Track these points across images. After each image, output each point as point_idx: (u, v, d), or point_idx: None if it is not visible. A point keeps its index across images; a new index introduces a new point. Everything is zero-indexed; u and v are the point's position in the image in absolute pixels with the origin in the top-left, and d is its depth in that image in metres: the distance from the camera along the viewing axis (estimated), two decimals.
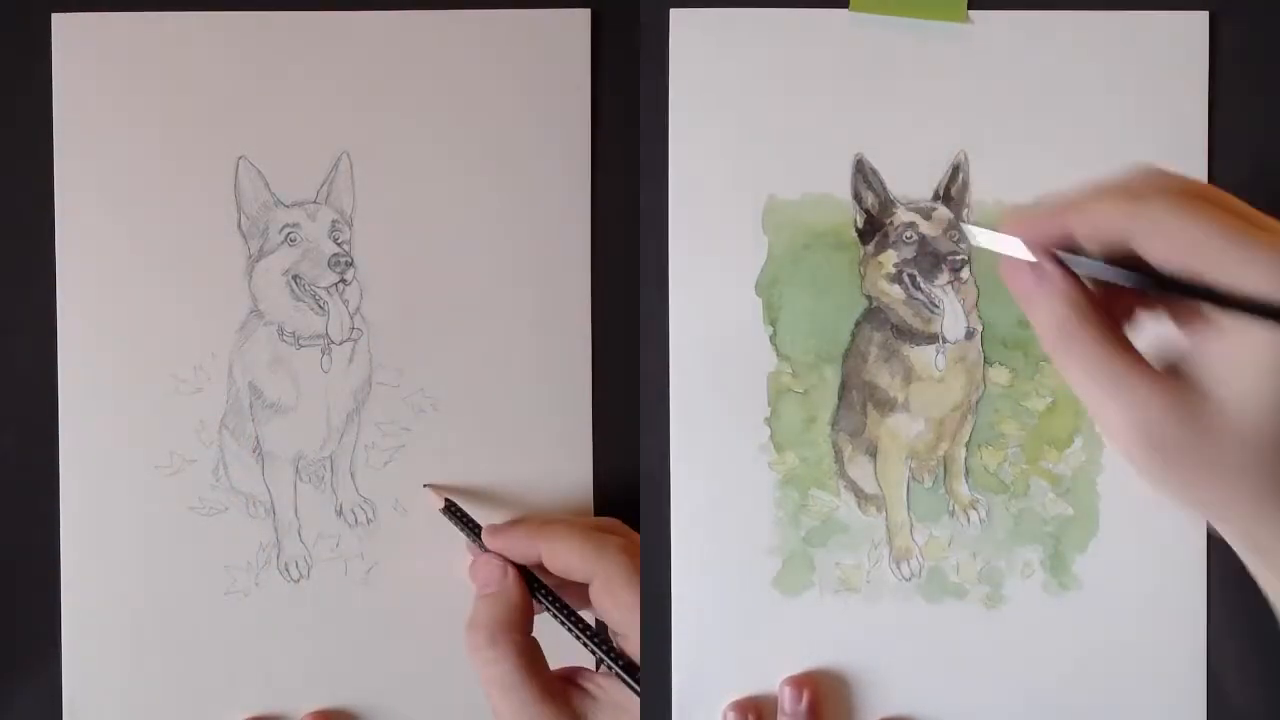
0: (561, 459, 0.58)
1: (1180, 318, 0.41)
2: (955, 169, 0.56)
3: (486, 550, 0.54)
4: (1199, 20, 0.55)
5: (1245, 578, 0.48)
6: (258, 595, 0.58)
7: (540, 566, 0.53)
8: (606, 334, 0.58)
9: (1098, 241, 0.40)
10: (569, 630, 0.52)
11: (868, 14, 0.56)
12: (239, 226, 0.58)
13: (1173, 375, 0.40)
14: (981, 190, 0.56)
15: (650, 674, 0.56)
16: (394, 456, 0.58)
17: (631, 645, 0.51)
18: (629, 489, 0.57)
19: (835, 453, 0.57)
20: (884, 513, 0.57)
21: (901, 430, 0.56)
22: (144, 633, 0.57)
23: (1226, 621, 0.55)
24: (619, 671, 0.50)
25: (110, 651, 0.57)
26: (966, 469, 0.56)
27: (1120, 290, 0.41)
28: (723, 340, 0.56)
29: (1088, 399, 0.41)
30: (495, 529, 0.53)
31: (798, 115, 0.56)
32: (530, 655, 0.51)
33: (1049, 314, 0.40)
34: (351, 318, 0.58)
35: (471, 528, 0.55)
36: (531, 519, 0.55)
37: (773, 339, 0.56)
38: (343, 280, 0.58)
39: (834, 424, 0.57)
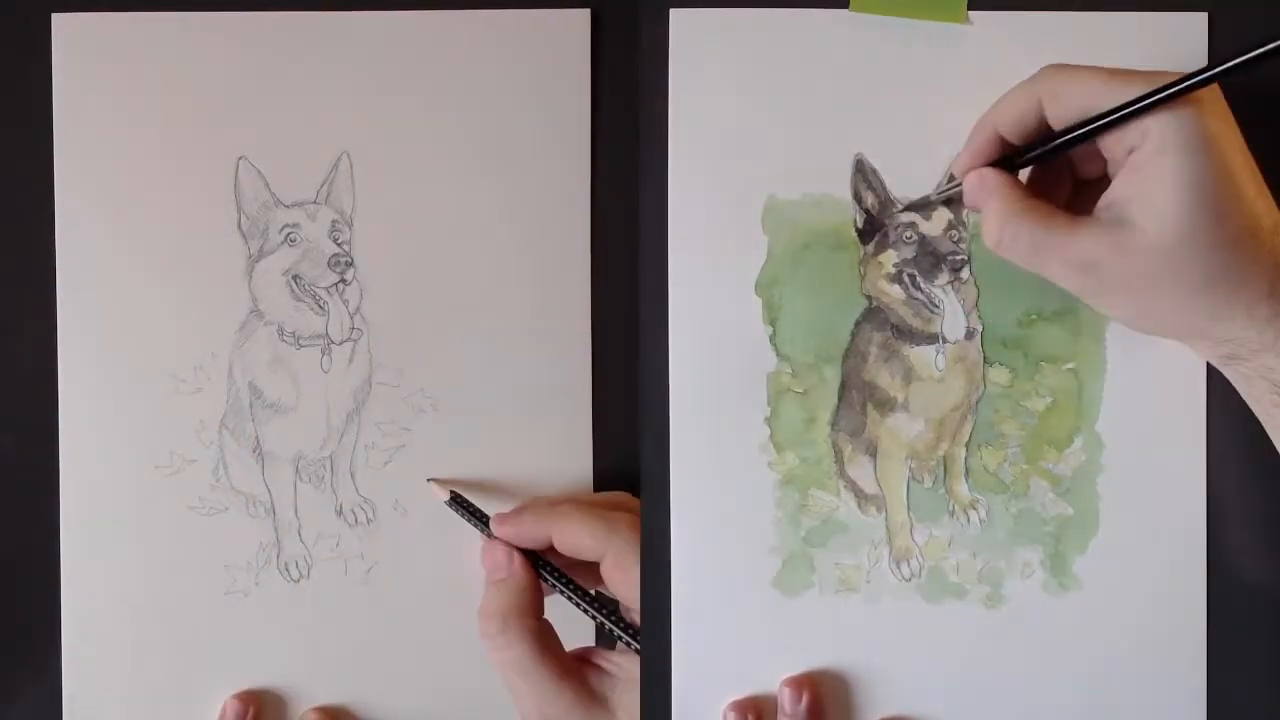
0: (561, 458, 0.58)
1: (1097, 169, 0.49)
2: None
3: (494, 538, 0.54)
4: (1198, 21, 0.55)
5: (1244, 578, 0.49)
6: (258, 595, 0.58)
7: (551, 549, 0.53)
8: (606, 334, 0.58)
9: (1018, 126, 0.48)
10: (583, 609, 0.52)
11: (868, 14, 0.56)
12: (239, 226, 0.58)
13: (1103, 220, 0.46)
14: None
15: (650, 674, 0.56)
16: (394, 456, 0.58)
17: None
18: (629, 488, 0.57)
19: (835, 453, 0.57)
20: (884, 513, 0.57)
21: (901, 430, 0.56)
22: (144, 632, 0.57)
23: (1226, 621, 0.55)
24: (636, 645, 0.50)
25: (110, 651, 0.57)
26: (966, 469, 0.56)
27: (1052, 181, 0.51)
28: (723, 340, 0.56)
29: (1042, 269, 0.47)
30: (503, 516, 0.54)
31: (798, 115, 0.56)
32: (543, 637, 0.51)
33: (993, 213, 0.48)
34: (351, 318, 0.58)
35: (479, 517, 0.56)
36: (538, 503, 0.55)
37: (773, 339, 0.56)
38: (343, 280, 0.58)
39: (834, 424, 0.57)
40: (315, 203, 0.58)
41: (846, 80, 0.56)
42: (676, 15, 0.56)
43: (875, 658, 0.56)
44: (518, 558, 0.53)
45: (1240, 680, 0.55)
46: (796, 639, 0.56)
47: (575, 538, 0.51)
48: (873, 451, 0.57)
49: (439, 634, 0.58)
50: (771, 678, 0.56)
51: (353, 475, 0.58)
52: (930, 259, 0.56)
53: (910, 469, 0.57)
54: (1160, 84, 0.45)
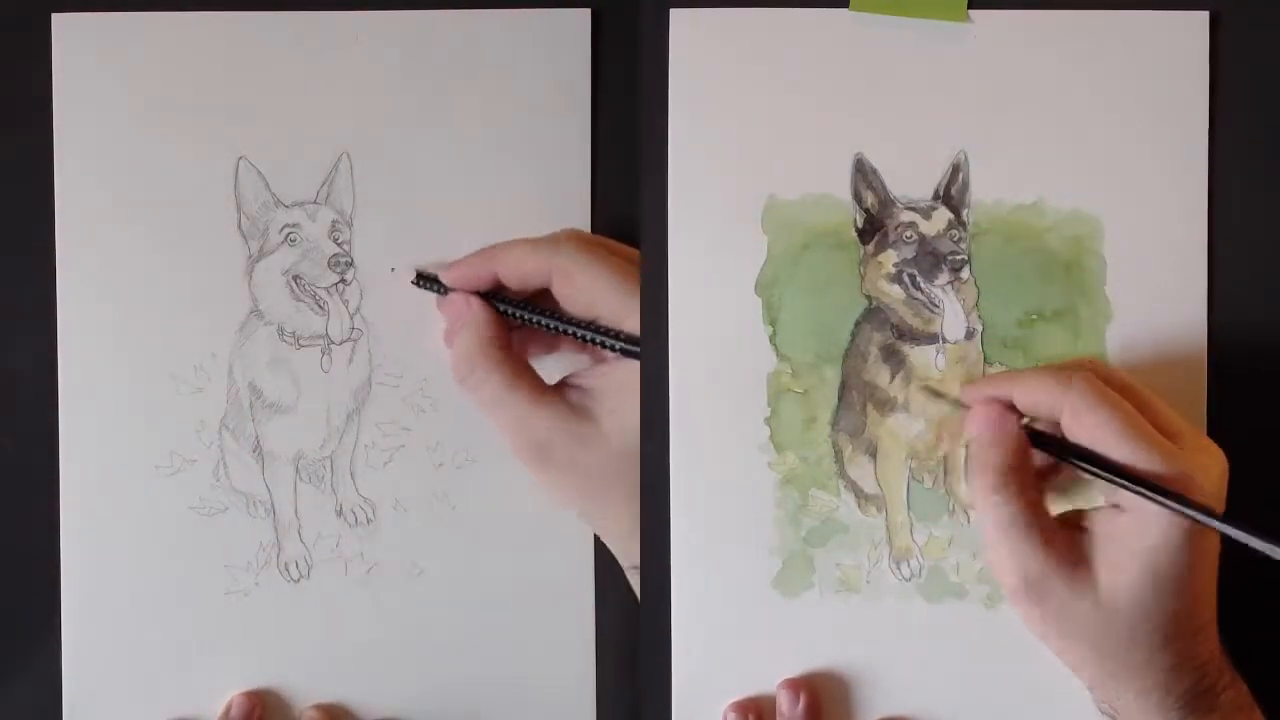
0: None
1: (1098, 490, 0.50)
2: (955, 169, 0.56)
3: (450, 290, 0.54)
4: (1199, 20, 0.55)
5: (1244, 579, 0.49)
6: (258, 595, 0.58)
7: (503, 288, 0.54)
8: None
9: (1032, 412, 0.49)
10: (553, 328, 0.52)
11: (868, 14, 0.56)
12: (239, 226, 0.58)
13: (1066, 539, 0.48)
14: (981, 190, 0.56)
15: (650, 674, 0.56)
16: (394, 456, 0.58)
17: (610, 318, 0.51)
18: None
19: (835, 453, 0.57)
20: (884, 513, 0.57)
21: (901, 430, 0.56)
22: (144, 633, 0.57)
23: (1227, 622, 0.55)
24: (609, 342, 0.51)
25: (110, 651, 0.57)
26: (966, 469, 0.56)
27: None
28: (723, 340, 0.56)
29: (993, 541, 0.48)
30: (450, 264, 0.53)
31: (798, 115, 0.56)
32: (513, 367, 0.52)
33: (995, 458, 0.48)
34: (351, 318, 0.58)
35: (431, 280, 0.56)
36: (483, 247, 0.55)
37: (772, 339, 0.56)
38: (343, 280, 0.58)
39: (834, 424, 0.57)
40: (315, 203, 0.58)
41: (846, 80, 0.56)
42: (676, 15, 0.56)
43: (875, 658, 0.56)
44: (474, 300, 0.53)
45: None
46: (796, 639, 0.56)
47: (519, 266, 0.51)
48: (873, 451, 0.57)
49: (439, 634, 0.58)
50: (771, 678, 0.56)
51: (353, 475, 0.58)
52: (930, 259, 0.56)
53: (910, 469, 0.57)
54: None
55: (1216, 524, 0.46)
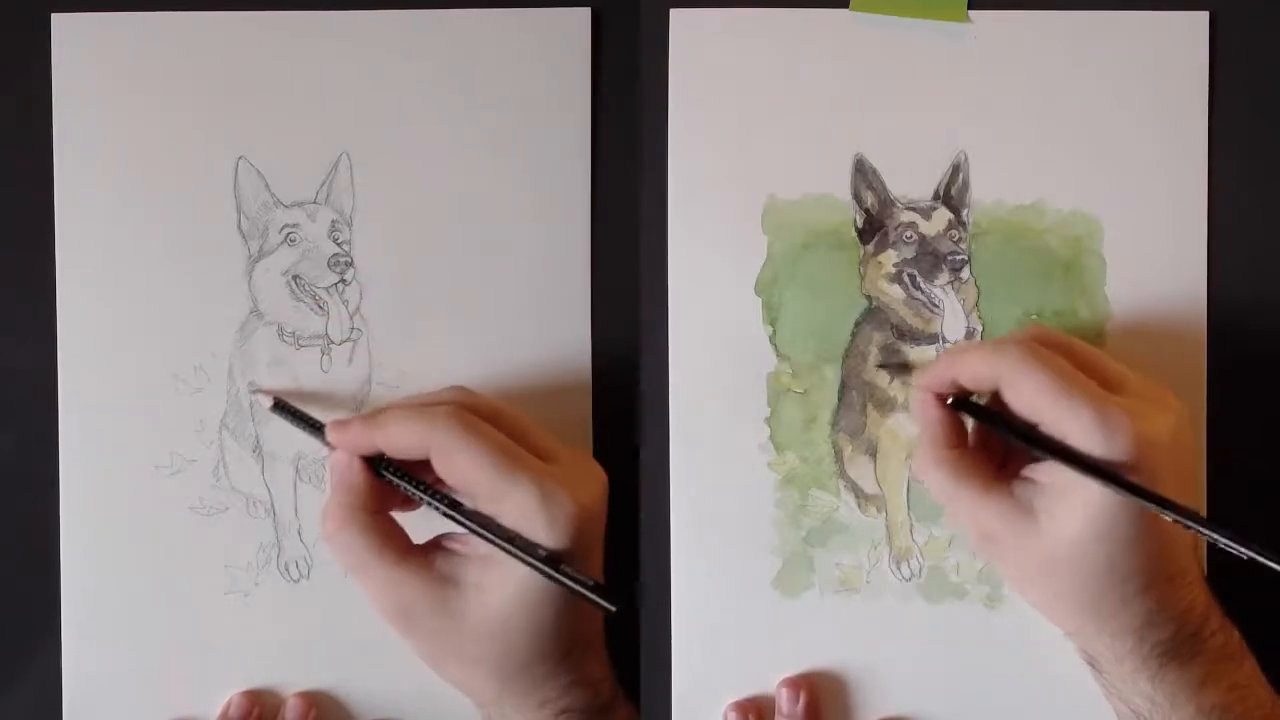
0: None
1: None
2: (955, 169, 0.56)
3: (333, 449, 0.53)
4: (1199, 20, 0.55)
5: (1243, 578, 0.49)
6: (258, 595, 0.58)
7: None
8: (607, 334, 0.58)
9: (972, 383, 0.50)
10: (430, 505, 0.51)
11: (868, 14, 0.56)
12: (239, 226, 0.58)
13: (1013, 493, 0.49)
14: (981, 190, 0.56)
15: (650, 674, 0.56)
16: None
17: (486, 506, 0.49)
18: (630, 488, 0.57)
19: (835, 453, 0.57)
20: (884, 513, 0.57)
21: (901, 430, 0.56)
22: (144, 633, 0.57)
23: (1226, 594, 0.55)
24: (473, 528, 0.49)
25: (110, 652, 0.57)
26: None
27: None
28: (723, 340, 0.56)
29: (951, 515, 0.53)
30: (335, 424, 0.52)
31: (798, 115, 0.56)
32: (380, 531, 0.50)
33: (923, 445, 0.51)
34: (351, 318, 0.58)
35: (315, 426, 0.55)
36: (371, 410, 0.54)
37: (773, 339, 0.56)
38: (343, 280, 0.58)
39: (834, 424, 0.57)
40: (315, 203, 0.58)
41: (846, 80, 0.56)
42: (676, 15, 0.56)
43: (875, 658, 0.56)
44: (355, 461, 0.51)
45: None
46: (796, 639, 0.56)
47: (398, 439, 0.50)
48: (873, 451, 0.57)
49: None
50: (771, 678, 0.56)
51: None
52: (930, 259, 0.56)
53: (910, 469, 0.57)
54: (1101, 416, 0.47)
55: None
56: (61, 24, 0.57)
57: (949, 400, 0.50)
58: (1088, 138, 0.55)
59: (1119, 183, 0.55)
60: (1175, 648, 0.48)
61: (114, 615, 0.57)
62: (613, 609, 0.47)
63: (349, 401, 0.58)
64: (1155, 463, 0.47)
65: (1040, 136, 0.56)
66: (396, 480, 0.51)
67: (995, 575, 0.56)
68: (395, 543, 0.51)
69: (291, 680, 0.58)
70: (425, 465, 0.50)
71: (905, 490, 0.57)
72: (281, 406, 0.56)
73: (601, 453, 0.58)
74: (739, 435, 0.56)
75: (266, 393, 0.57)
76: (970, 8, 0.56)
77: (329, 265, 0.57)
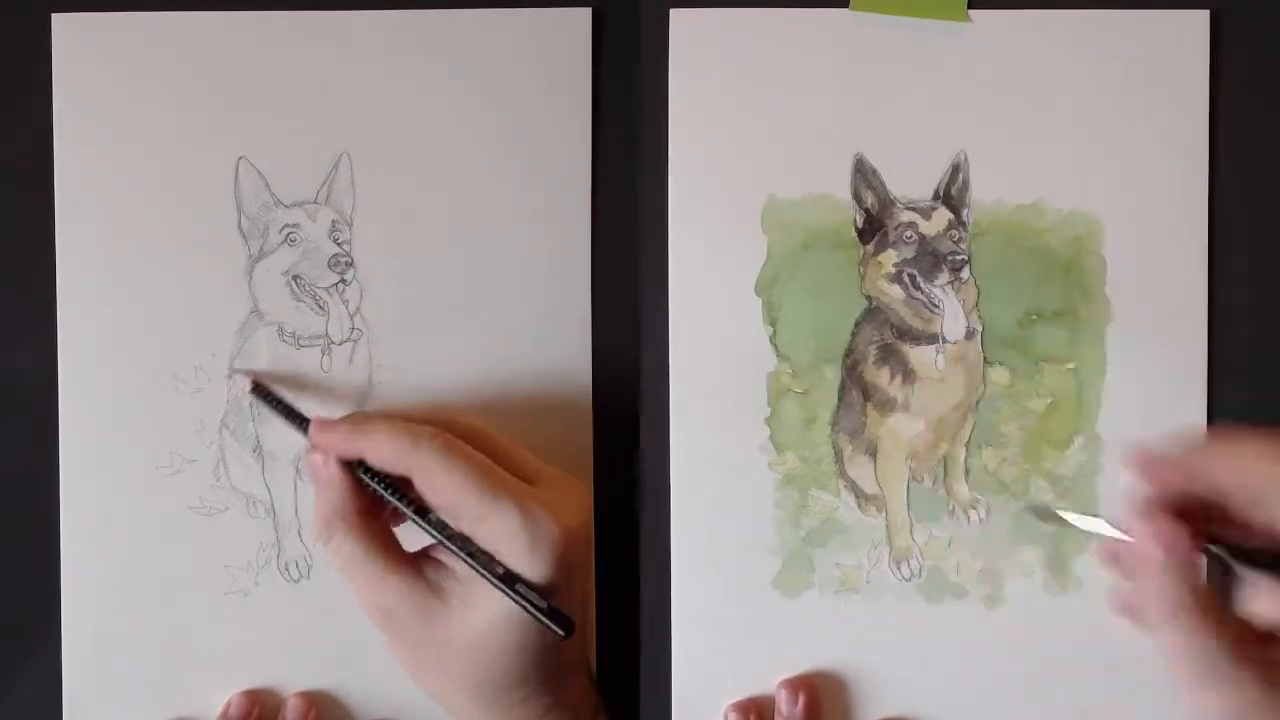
0: (562, 458, 0.58)
1: None
2: (955, 169, 0.56)
3: (314, 447, 0.53)
4: (1199, 19, 0.55)
5: (1244, 579, 0.48)
6: (258, 595, 0.58)
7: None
8: (607, 334, 0.58)
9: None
10: (407, 515, 0.51)
11: (868, 14, 0.56)
12: (239, 226, 0.58)
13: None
14: (981, 190, 0.56)
15: (650, 674, 0.56)
16: None
17: (466, 526, 0.49)
18: (630, 488, 0.57)
19: (835, 453, 0.57)
20: (884, 513, 0.57)
21: (901, 430, 0.56)
22: (144, 632, 0.57)
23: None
24: (451, 547, 0.49)
25: (110, 651, 0.57)
26: (966, 469, 0.56)
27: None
28: (723, 340, 0.56)
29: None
30: (321, 424, 0.52)
31: (798, 115, 0.56)
32: (371, 534, 0.51)
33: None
34: (351, 318, 0.58)
35: (297, 420, 0.54)
36: (355, 416, 0.54)
37: (773, 339, 0.56)
38: (343, 280, 0.58)
39: (834, 424, 0.57)
40: (315, 203, 0.58)
41: (846, 80, 0.56)
42: (676, 15, 0.56)
43: (875, 658, 0.56)
44: (332, 462, 0.51)
45: None
46: (796, 639, 0.56)
47: (382, 453, 0.50)
48: (873, 451, 0.57)
49: None
50: (772, 678, 0.56)
51: None
52: (930, 259, 0.56)
53: (910, 469, 0.57)
54: None
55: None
56: (61, 24, 0.57)
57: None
58: (1088, 138, 0.55)
59: (1119, 183, 0.55)
60: None
61: (114, 615, 0.57)
62: (563, 634, 0.47)
63: (349, 401, 0.58)
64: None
65: (1040, 136, 0.56)
66: (371, 484, 0.51)
67: (995, 575, 0.56)
68: (384, 546, 0.51)
69: (291, 680, 0.58)
70: (405, 480, 0.51)
71: (905, 490, 0.57)
72: (261, 391, 0.56)
73: (601, 453, 0.58)
74: (739, 435, 0.56)
75: (247, 374, 0.57)
76: (970, 8, 0.56)
77: (329, 265, 0.57)
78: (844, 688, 0.56)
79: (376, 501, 0.52)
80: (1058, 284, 0.56)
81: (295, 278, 0.58)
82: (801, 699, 0.55)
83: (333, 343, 0.58)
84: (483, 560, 0.48)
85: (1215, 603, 0.43)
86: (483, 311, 0.58)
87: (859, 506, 0.57)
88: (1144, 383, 0.55)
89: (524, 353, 0.58)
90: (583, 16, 0.58)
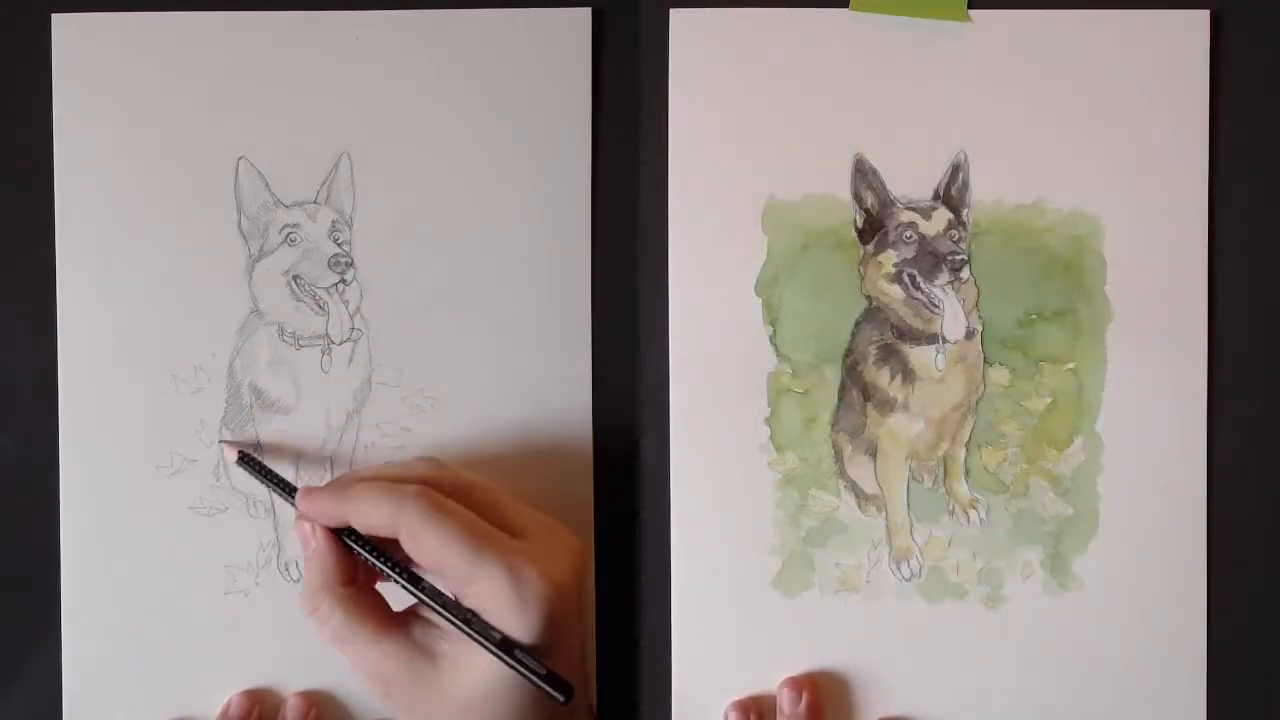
0: (562, 459, 0.58)
1: None
2: (955, 169, 0.56)
3: (301, 514, 0.52)
4: (1200, 19, 0.55)
5: (1245, 579, 0.49)
6: (258, 595, 0.58)
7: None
8: (607, 334, 0.58)
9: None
10: (393, 580, 0.51)
11: (868, 14, 0.56)
12: (239, 226, 0.58)
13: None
14: (981, 190, 0.56)
15: (651, 674, 0.56)
16: (394, 456, 0.58)
17: (453, 586, 0.50)
18: (630, 489, 0.57)
19: (835, 453, 0.57)
20: (884, 513, 0.57)
21: (901, 430, 0.56)
22: (144, 632, 0.57)
23: (1227, 621, 0.55)
24: (439, 610, 0.49)
25: (110, 651, 0.57)
26: (966, 469, 0.56)
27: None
28: (723, 340, 0.56)
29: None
30: (306, 493, 0.52)
31: (798, 115, 0.56)
32: (358, 603, 0.51)
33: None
34: (351, 318, 0.58)
35: (285, 488, 0.55)
36: (340, 480, 0.54)
37: (773, 339, 0.56)
38: (343, 280, 0.58)
39: (834, 424, 0.57)
40: (315, 203, 0.58)
41: (846, 80, 0.56)
42: (676, 15, 0.56)
43: (875, 658, 0.56)
44: (319, 531, 0.52)
45: (1241, 681, 0.55)
46: (796, 639, 0.56)
47: (367, 516, 0.50)
48: (873, 451, 0.57)
49: None
50: (772, 678, 0.56)
51: None
52: (930, 259, 0.56)
53: (910, 469, 0.57)
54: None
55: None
56: (61, 24, 0.57)
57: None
58: (1088, 137, 0.55)
59: (1119, 182, 0.55)
60: None
61: (114, 615, 0.57)
62: (562, 699, 0.47)
63: (349, 401, 0.58)
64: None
65: (1040, 136, 0.56)
66: (361, 551, 0.51)
67: (995, 575, 0.56)
68: (373, 614, 0.51)
69: (291, 680, 0.58)
70: (392, 543, 0.51)
71: (905, 490, 0.57)
72: (247, 460, 0.56)
73: (601, 453, 0.58)
74: (739, 435, 0.56)
75: (231, 445, 0.57)
76: (970, 7, 0.56)
77: (329, 265, 0.57)
78: (843, 687, 0.56)
79: (364, 566, 0.51)
80: (1058, 284, 0.56)
81: (295, 278, 0.58)
82: (804, 698, 0.55)
83: (333, 343, 0.58)
84: (478, 627, 0.48)
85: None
86: (482, 311, 0.58)
87: (859, 506, 0.57)
88: (1144, 383, 0.55)
89: (524, 352, 0.58)
90: (583, 16, 0.58)
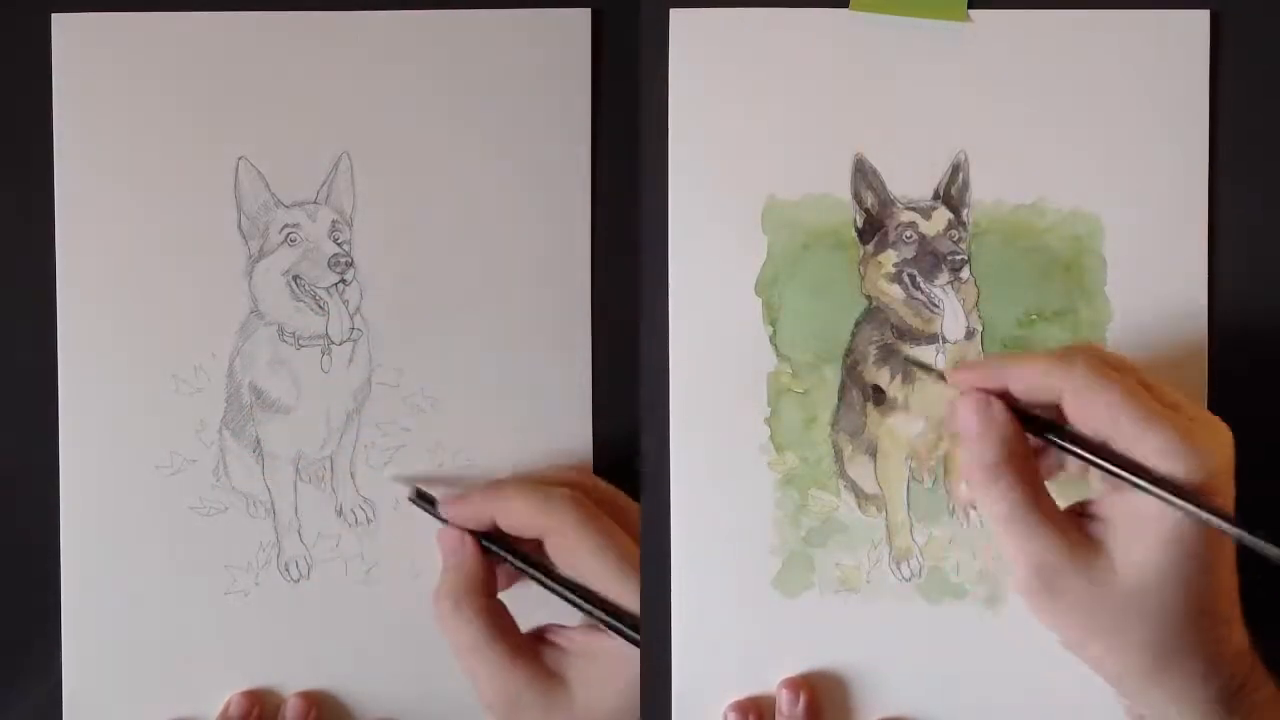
0: (562, 459, 0.58)
1: (1100, 474, 0.46)
2: (955, 169, 0.56)
3: (446, 523, 0.53)
4: (1200, 19, 0.55)
5: (1244, 579, 0.49)
6: (258, 595, 0.58)
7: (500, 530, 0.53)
8: (607, 334, 0.58)
9: (1030, 397, 0.46)
10: (542, 584, 0.51)
11: (868, 14, 0.56)
12: (239, 226, 0.58)
13: (1078, 527, 0.46)
14: (981, 190, 0.56)
15: (650, 674, 0.56)
16: (394, 456, 0.58)
17: (600, 590, 0.50)
18: (630, 488, 0.57)
19: (835, 453, 0.57)
20: (884, 513, 0.57)
21: (901, 430, 0.56)
22: (144, 633, 0.57)
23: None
24: (596, 614, 0.50)
25: (110, 652, 0.57)
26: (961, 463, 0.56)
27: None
28: (723, 340, 0.56)
29: (998, 533, 0.46)
30: (450, 499, 0.53)
31: (798, 115, 0.56)
32: (496, 616, 0.51)
33: (984, 451, 0.46)
34: (351, 318, 0.58)
35: (426, 500, 0.56)
36: (485, 485, 0.54)
37: (773, 339, 0.56)
38: (343, 280, 0.58)
39: (834, 424, 0.57)
40: (315, 203, 0.58)
41: (846, 80, 0.56)
42: (676, 15, 0.56)
43: (875, 658, 0.56)
44: (468, 540, 0.52)
45: None
46: (796, 639, 0.56)
47: (515, 517, 0.51)
48: (873, 451, 0.57)
49: (438, 634, 0.58)
50: (771, 678, 0.56)
51: (353, 475, 0.58)
52: (930, 259, 0.56)
53: (910, 469, 0.57)
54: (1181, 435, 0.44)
55: (1216, 520, 0.44)
56: (61, 24, 0.57)
57: (1027, 421, 0.47)
58: (1088, 138, 0.55)
59: (1119, 183, 0.55)
60: (1227, 700, 0.45)
61: (114, 615, 0.57)
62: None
63: (349, 401, 0.58)
64: (1225, 486, 0.45)
65: (1040, 136, 0.55)
66: (501, 553, 0.52)
67: (995, 575, 0.56)
68: (507, 631, 0.51)
69: (291, 680, 0.58)
70: (532, 544, 0.51)
71: (905, 490, 0.57)
72: (420, 495, 0.56)
73: (601, 452, 0.58)
74: (739, 435, 0.56)
75: (404, 481, 0.57)
76: (970, 7, 0.56)
77: (329, 265, 0.57)
78: (843, 687, 0.56)
79: (497, 583, 0.52)
80: (1058, 284, 0.56)
81: (295, 278, 0.58)
82: (803, 699, 0.55)
83: (333, 343, 0.58)
84: (626, 623, 0.48)
85: (1027, 465, 0.46)
86: (482, 311, 0.58)
87: (859, 506, 0.57)
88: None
89: (524, 353, 0.58)
90: (583, 16, 0.58)
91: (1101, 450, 0.45)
